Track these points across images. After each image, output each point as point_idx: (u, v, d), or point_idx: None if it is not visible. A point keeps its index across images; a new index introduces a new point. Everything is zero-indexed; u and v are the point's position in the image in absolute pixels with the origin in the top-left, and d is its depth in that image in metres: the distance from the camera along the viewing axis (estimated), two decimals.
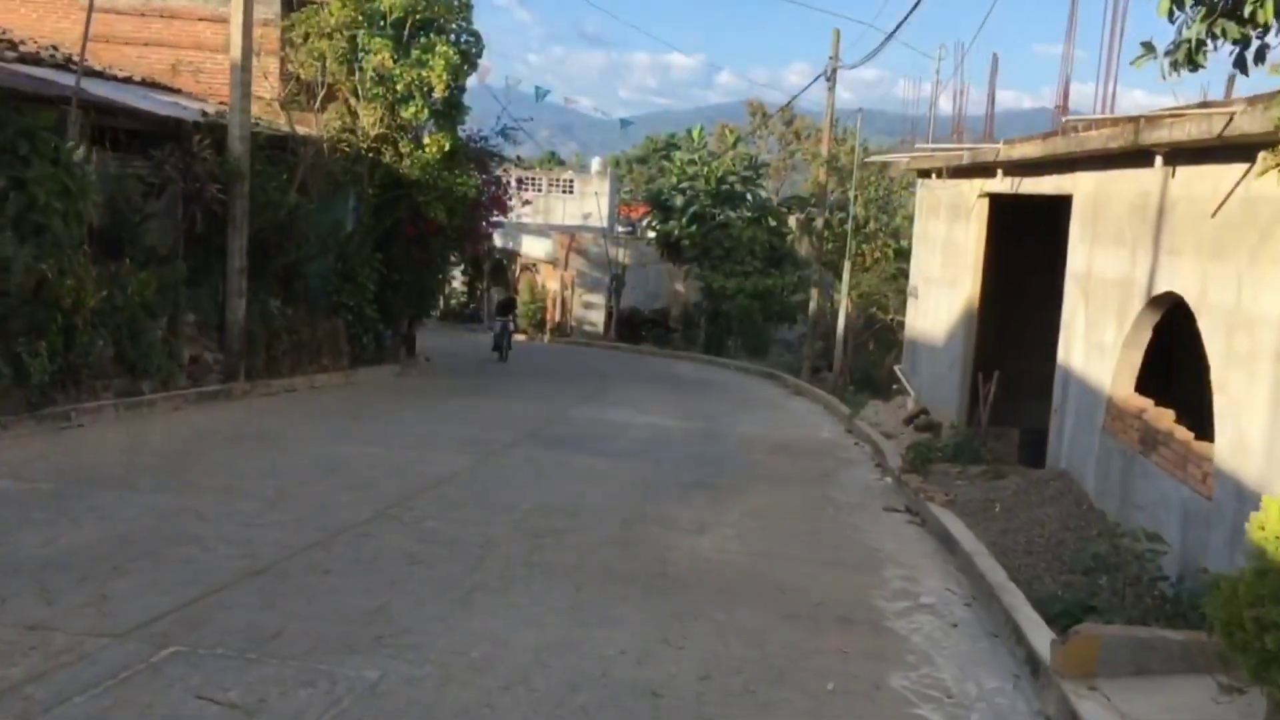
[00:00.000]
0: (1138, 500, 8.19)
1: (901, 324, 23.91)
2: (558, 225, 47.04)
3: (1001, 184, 12.42)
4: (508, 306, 28.03)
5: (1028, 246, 14.59)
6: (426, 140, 18.76)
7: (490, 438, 12.38)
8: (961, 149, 13.61)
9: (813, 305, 24.15)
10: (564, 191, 55.70)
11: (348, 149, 18.15)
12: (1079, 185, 10.34)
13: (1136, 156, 8.42)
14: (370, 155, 18.77)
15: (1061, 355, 10.78)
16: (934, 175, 15.73)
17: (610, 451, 12.24)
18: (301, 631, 5.48)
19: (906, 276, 24.43)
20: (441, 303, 53.93)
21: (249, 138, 14.58)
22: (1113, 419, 8.90)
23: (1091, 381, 9.53)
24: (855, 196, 22.83)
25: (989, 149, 12.27)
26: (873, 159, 24.04)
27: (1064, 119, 10.45)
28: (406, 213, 19.85)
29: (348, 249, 18.75)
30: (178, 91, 17.92)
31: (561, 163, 69.92)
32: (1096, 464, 9.16)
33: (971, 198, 13.94)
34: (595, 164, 67.37)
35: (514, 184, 25.13)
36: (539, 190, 58.96)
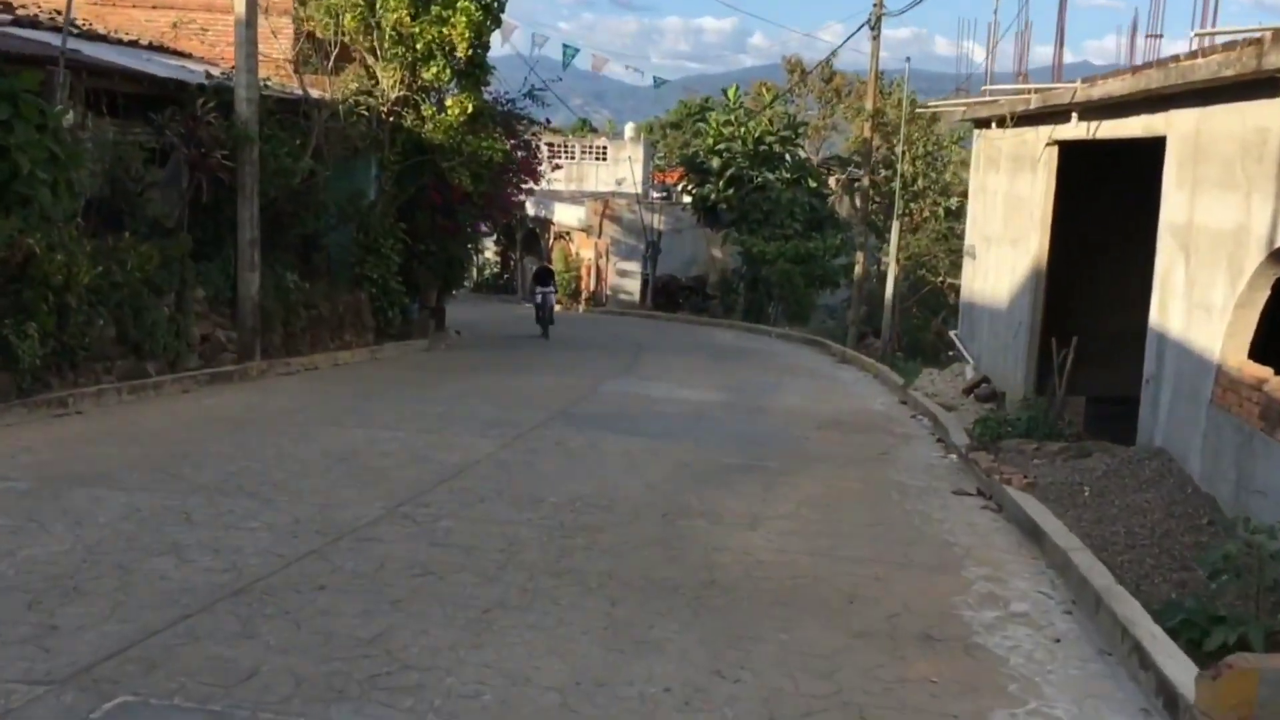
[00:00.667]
0: (1258, 484, 7.11)
1: (954, 287, 22.72)
2: (591, 192, 45.97)
3: (1076, 129, 11.24)
4: (546, 276, 25.62)
5: (1095, 198, 13.41)
6: (449, 103, 17.77)
7: (518, 418, 11.44)
8: (1029, 89, 12.36)
9: (858, 268, 22.98)
10: (597, 158, 54.76)
11: (366, 112, 17.20)
12: (1175, 124, 9.16)
13: (1254, 87, 7.26)
14: (391, 119, 17.82)
15: (1155, 317, 9.62)
16: (994, 124, 14.51)
17: (648, 431, 11.26)
18: (281, 669, 4.57)
19: (957, 237, 23.22)
20: (475, 274, 53.61)
21: (257, 100, 13.65)
22: (1224, 390, 7.79)
23: (1195, 347, 8.42)
24: (903, 152, 21.59)
25: (1064, 89, 11.06)
26: (926, 109, 22.73)
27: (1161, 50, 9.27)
28: (431, 180, 18.91)
29: (369, 219, 17.85)
30: (186, 55, 17.05)
31: (594, 130, 68.76)
32: (1204, 442, 8.06)
33: (1038, 147, 12.75)
34: (628, 130, 66.09)
35: (544, 148, 24.08)
36: (572, 158, 58.05)
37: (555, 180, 53.70)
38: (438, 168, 18.24)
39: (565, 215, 42.97)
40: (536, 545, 6.65)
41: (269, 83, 15.15)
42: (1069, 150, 12.36)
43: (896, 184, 20.85)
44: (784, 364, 20.45)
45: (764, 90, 36.85)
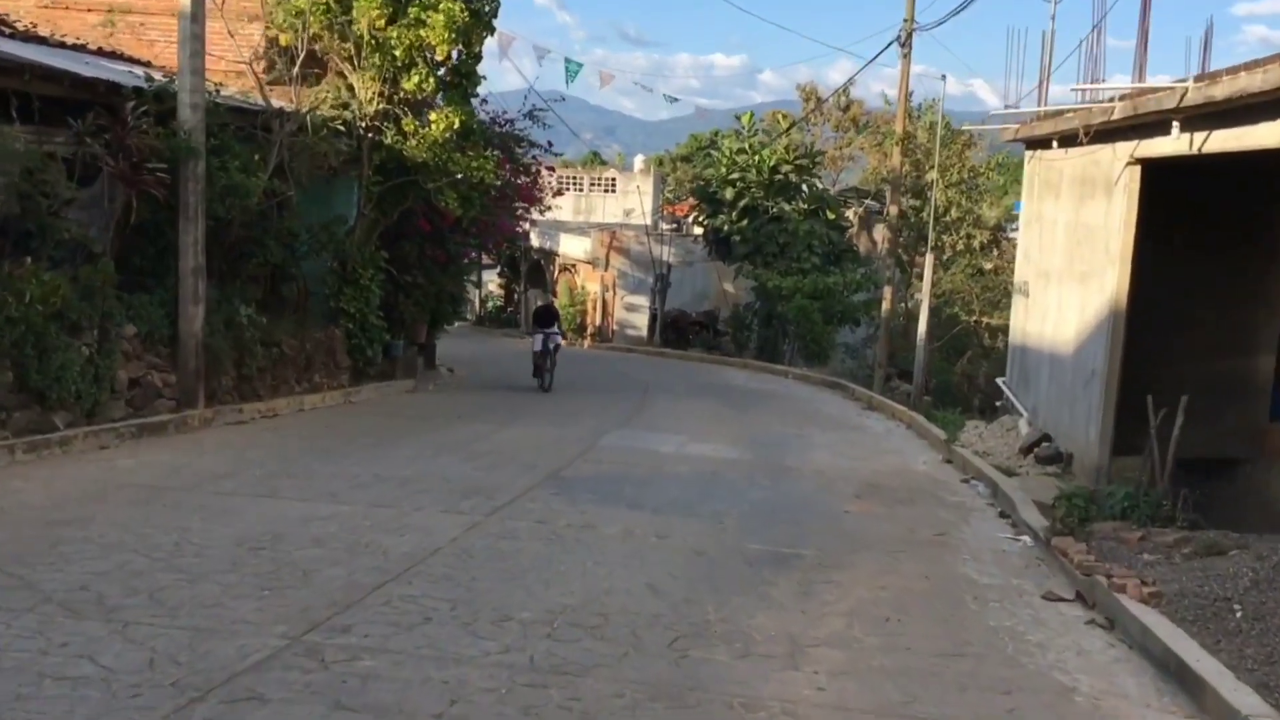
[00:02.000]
0: None
1: (989, 327, 20.77)
2: (598, 224, 44.19)
3: (1176, 143, 9.28)
4: (548, 316, 19.63)
5: (1178, 224, 11.49)
6: (434, 117, 15.90)
7: (498, 483, 9.47)
8: (1115, 90, 10.38)
9: (884, 304, 21.02)
10: (606, 190, 53.24)
11: (342, 127, 15.35)
12: None
13: None
14: (370, 135, 15.97)
15: None
16: (1055, 144, 12.60)
17: (654, 502, 9.27)
18: None
19: (998, 273, 21.30)
20: (476, 307, 51.82)
21: (203, 106, 11.78)
22: None
23: None
24: (937, 179, 19.69)
25: (1168, 90, 9.08)
26: (970, 131, 20.82)
27: None
28: (418, 204, 17.05)
29: (345, 246, 15.97)
30: (141, 62, 15.21)
31: (604, 163, 67.30)
32: None
33: (1115, 166, 10.82)
34: (638, 162, 64.55)
35: (545, 172, 22.25)
36: (580, 190, 56.55)
37: (561, 210, 52.15)
38: (425, 191, 16.39)
39: (571, 247, 41.17)
40: (488, 707, 4.65)
41: (222, 90, 13.29)
42: (1154, 169, 10.43)
43: (930, 211, 18.91)
44: (805, 410, 18.46)
45: (780, 118, 35.04)
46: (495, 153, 16.59)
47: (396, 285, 18.66)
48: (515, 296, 49.58)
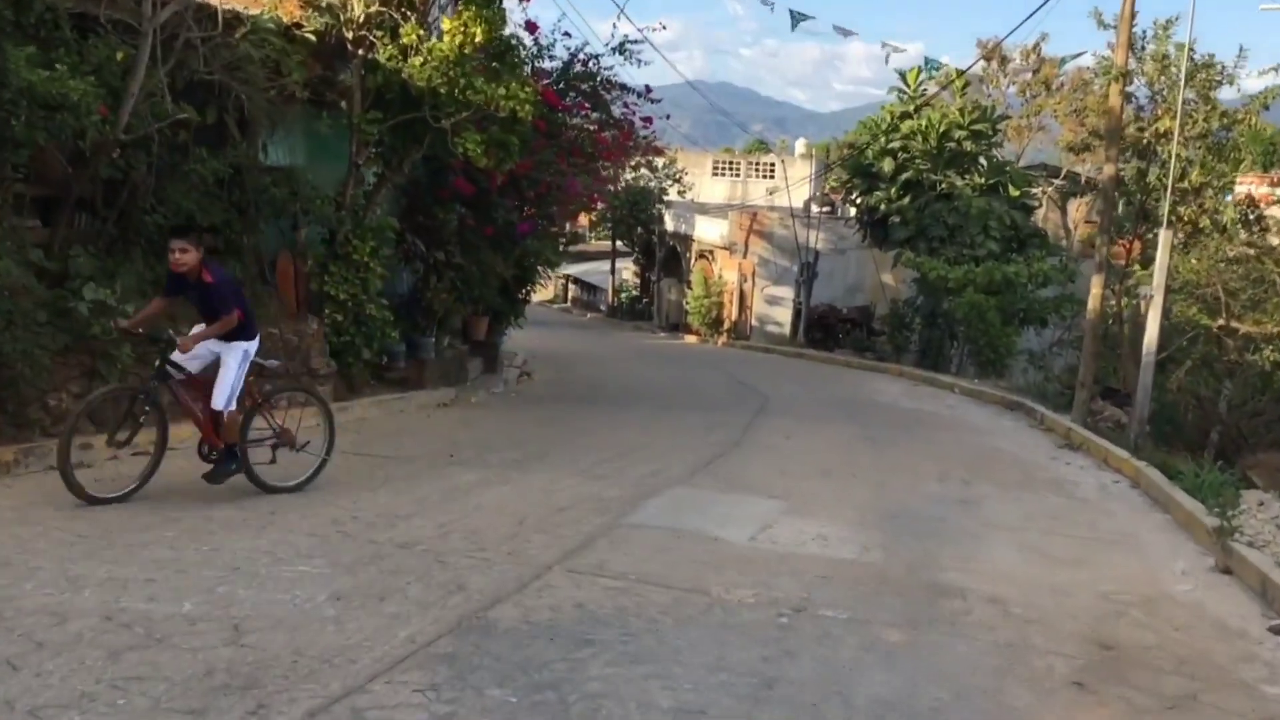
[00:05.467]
0: None
1: (1244, 336, 14.84)
2: (745, 208, 39.15)
3: None
4: None
5: None
6: (446, 25, 11.28)
7: (343, 671, 4.72)
8: None
9: (1092, 301, 15.35)
10: (764, 176, 48.63)
11: (312, 35, 10.90)
12: None
13: None
14: (360, 52, 11.50)
15: None
16: None
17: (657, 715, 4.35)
18: None
19: (1256, 258, 15.36)
20: (610, 297, 47.44)
21: None
22: None
23: None
24: (1180, 124, 13.87)
25: None
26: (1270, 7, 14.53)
27: None
28: (453, 157, 12.53)
29: (322, 208, 11.57)
30: None
31: (767, 150, 62.37)
32: None
33: None
34: (799, 146, 59.38)
35: (640, 123, 17.47)
36: (736, 175, 52.11)
37: (710, 194, 47.47)
38: (443, 134, 11.82)
39: (707, 231, 36.32)
40: None
41: None
42: None
43: (1171, 165, 13.07)
44: (976, 447, 13.07)
45: (954, 75, 29.16)
46: (527, 86, 11.74)
47: (427, 265, 14.26)
48: (650, 286, 45.07)
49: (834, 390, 19.47)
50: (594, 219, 42.46)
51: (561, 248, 18.92)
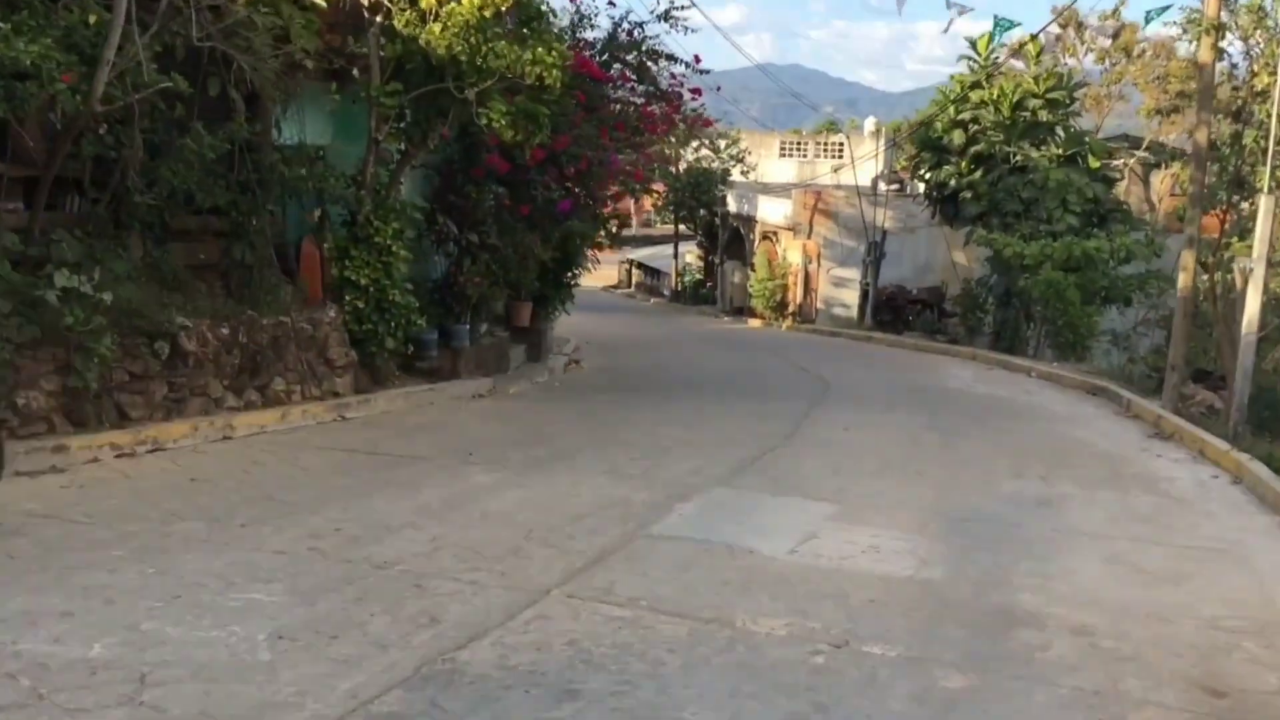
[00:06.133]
0: None
1: None
2: (802, 185, 37.90)
3: None
4: None
5: None
6: None
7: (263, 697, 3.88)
8: None
9: (1182, 276, 14.04)
10: (832, 156, 47.38)
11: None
12: None
13: None
14: (377, 18, 10.69)
15: None
16: None
17: None
18: None
19: None
20: (673, 281, 46.47)
21: None
22: None
23: None
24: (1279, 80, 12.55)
25: None
26: None
27: None
28: (484, 132, 11.69)
29: (338, 187, 10.80)
30: None
31: (836, 130, 60.71)
32: None
33: None
34: (868, 124, 57.64)
35: (689, 95, 16.48)
36: (804, 156, 50.95)
37: (778, 175, 46.23)
38: (468, 106, 10.96)
39: (770, 211, 35.13)
40: None
41: None
42: None
43: (1272, 126, 11.76)
44: (1056, 441, 11.88)
45: (1029, 42, 27.57)
46: (554, 50, 10.78)
47: (460, 248, 13.47)
48: (714, 269, 44.01)
49: (901, 376, 18.33)
50: (656, 203, 41.52)
51: (612, 229, 18.03)
